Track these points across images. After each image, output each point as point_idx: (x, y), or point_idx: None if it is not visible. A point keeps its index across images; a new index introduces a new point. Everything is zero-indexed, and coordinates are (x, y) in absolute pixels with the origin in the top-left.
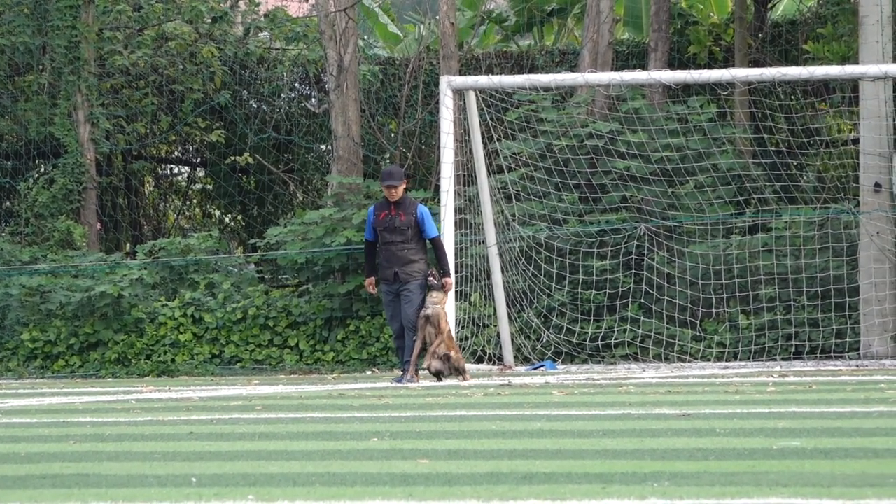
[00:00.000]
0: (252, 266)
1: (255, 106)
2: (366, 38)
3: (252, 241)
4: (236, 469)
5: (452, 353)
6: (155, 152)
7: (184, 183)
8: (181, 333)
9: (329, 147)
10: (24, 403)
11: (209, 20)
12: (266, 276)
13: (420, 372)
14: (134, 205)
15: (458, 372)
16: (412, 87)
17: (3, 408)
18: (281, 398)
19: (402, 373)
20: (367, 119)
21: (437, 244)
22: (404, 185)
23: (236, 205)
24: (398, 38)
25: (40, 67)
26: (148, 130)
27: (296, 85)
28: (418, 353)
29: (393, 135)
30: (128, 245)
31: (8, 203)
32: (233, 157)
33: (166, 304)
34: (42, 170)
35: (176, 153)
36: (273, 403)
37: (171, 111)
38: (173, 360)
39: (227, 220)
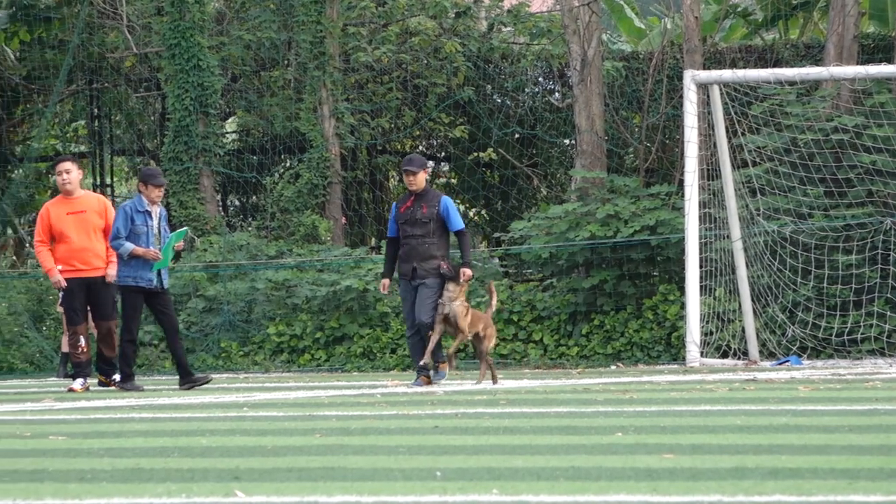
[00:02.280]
0: (496, 260)
1: (498, 101)
2: (609, 33)
3: (496, 235)
4: (481, 463)
5: (480, 332)
6: (399, 147)
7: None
8: None
9: (573, 141)
10: (271, 397)
11: (453, 15)
12: (510, 271)
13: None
14: (378, 199)
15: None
16: (656, 81)
17: (251, 401)
18: (525, 392)
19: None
20: (610, 113)
21: (461, 236)
22: (425, 175)
23: (480, 199)
24: (642, 32)
25: (285, 63)
26: (392, 125)
27: (539, 79)
28: (432, 349)
29: (636, 129)
30: (373, 239)
31: (254, 198)
32: (477, 153)
33: None
34: (287, 164)
35: (420, 148)
36: (517, 398)
37: (414, 106)
38: None
39: (471, 214)
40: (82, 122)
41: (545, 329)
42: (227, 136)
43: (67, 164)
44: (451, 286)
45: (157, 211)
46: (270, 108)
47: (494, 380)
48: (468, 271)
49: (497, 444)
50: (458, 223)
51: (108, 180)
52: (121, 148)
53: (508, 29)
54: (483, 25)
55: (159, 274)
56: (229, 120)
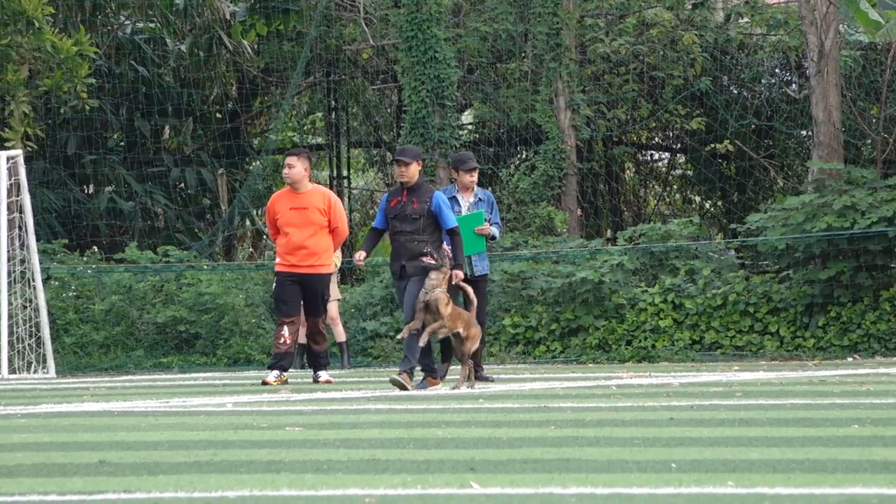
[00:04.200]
0: (732, 252)
1: (735, 92)
2: (846, 25)
3: (732, 226)
4: (716, 455)
5: (462, 332)
6: (635, 138)
7: (664, 169)
8: (661, 319)
9: (809, 133)
10: (506, 388)
11: (690, 7)
12: (746, 262)
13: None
14: (614, 191)
15: (462, 359)
16: (893, 72)
17: (486, 393)
18: (761, 384)
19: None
20: (847, 104)
21: (453, 235)
22: (418, 167)
23: (716, 191)
24: (878, 24)
25: (522, 54)
26: (628, 117)
27: (776, 70)
28: (425, 333)
29: (874, 120)
30: (608, 231)
31: (490, 189)
32: (713, 144)
33: (646, 290)
34: (523, 156)
35: (656, 139)
36: (753, 390)
37: (651, 98)
38: (653, 346)
39: (707, 205)
40: (319, 115)
41: (781, 321)
42: (464, 127)
43: (291, 159)
44: (433, 275)
45: (468, 196)
46: (507, 99)
47: (472, 383)
48: (460, 273)
49: (732, 436)
50: (450, 221)
51: (344, 172)
52: (357, 140)
53: (745, 21)
54: (720, 16)
55: (470, 261)
56: (465, 112)
